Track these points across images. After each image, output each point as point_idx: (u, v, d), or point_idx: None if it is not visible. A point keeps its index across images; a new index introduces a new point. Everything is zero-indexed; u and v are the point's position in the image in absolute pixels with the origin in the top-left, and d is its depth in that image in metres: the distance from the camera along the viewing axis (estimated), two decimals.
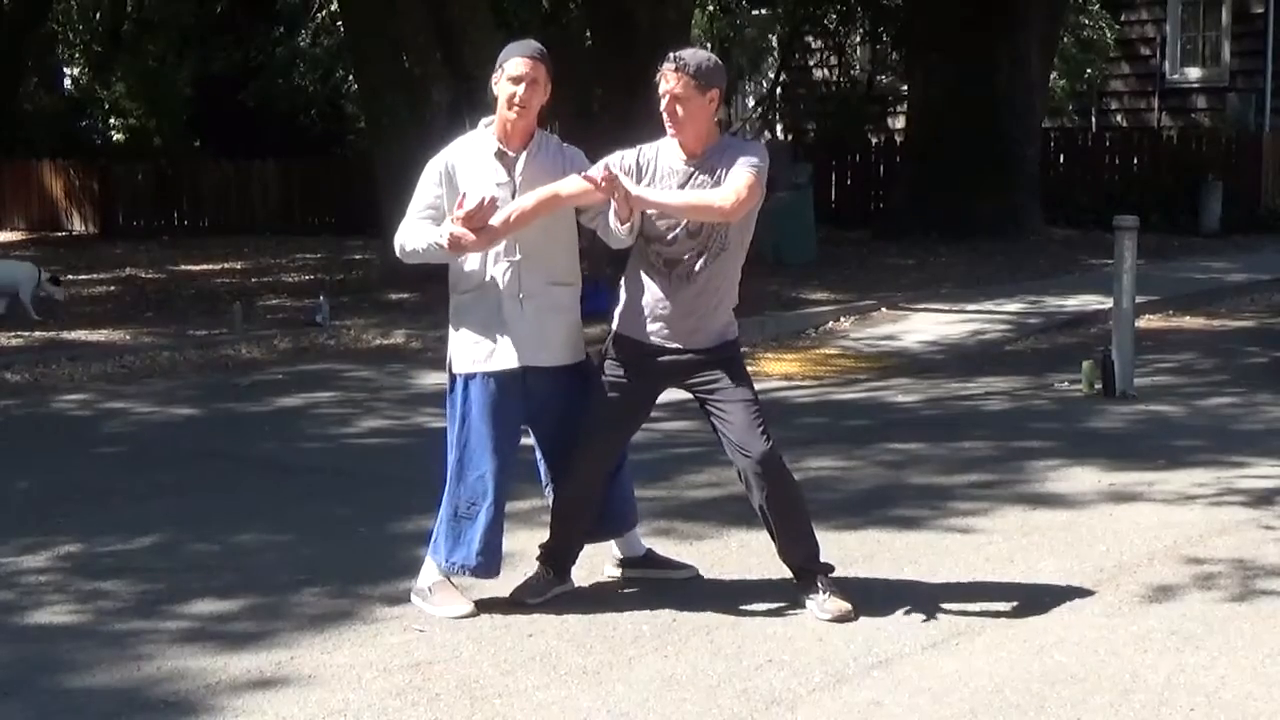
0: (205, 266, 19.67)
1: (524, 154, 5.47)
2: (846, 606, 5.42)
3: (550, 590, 5.69)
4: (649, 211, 5.36)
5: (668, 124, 5.38)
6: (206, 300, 15.82)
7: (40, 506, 7.36)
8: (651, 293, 5.46)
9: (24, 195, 27.52)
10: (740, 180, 5.29)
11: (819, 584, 5.50)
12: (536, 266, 5.46)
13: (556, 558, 5.73)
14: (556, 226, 5.50)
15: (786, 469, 5.53)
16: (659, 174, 5.42)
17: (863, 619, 5.39)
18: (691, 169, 5.39)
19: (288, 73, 28.10)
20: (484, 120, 5.58)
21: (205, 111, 28.04)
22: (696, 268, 5.41)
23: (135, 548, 6.54)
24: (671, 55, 5.36)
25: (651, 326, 5.47)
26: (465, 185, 5.40)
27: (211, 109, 27.76)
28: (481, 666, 4.99)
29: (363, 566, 6.14)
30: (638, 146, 5.51)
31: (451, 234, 5.32)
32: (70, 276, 18.99)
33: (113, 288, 17.72)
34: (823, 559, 5.59)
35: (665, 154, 5.44)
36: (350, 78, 24.87)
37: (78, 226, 26.63)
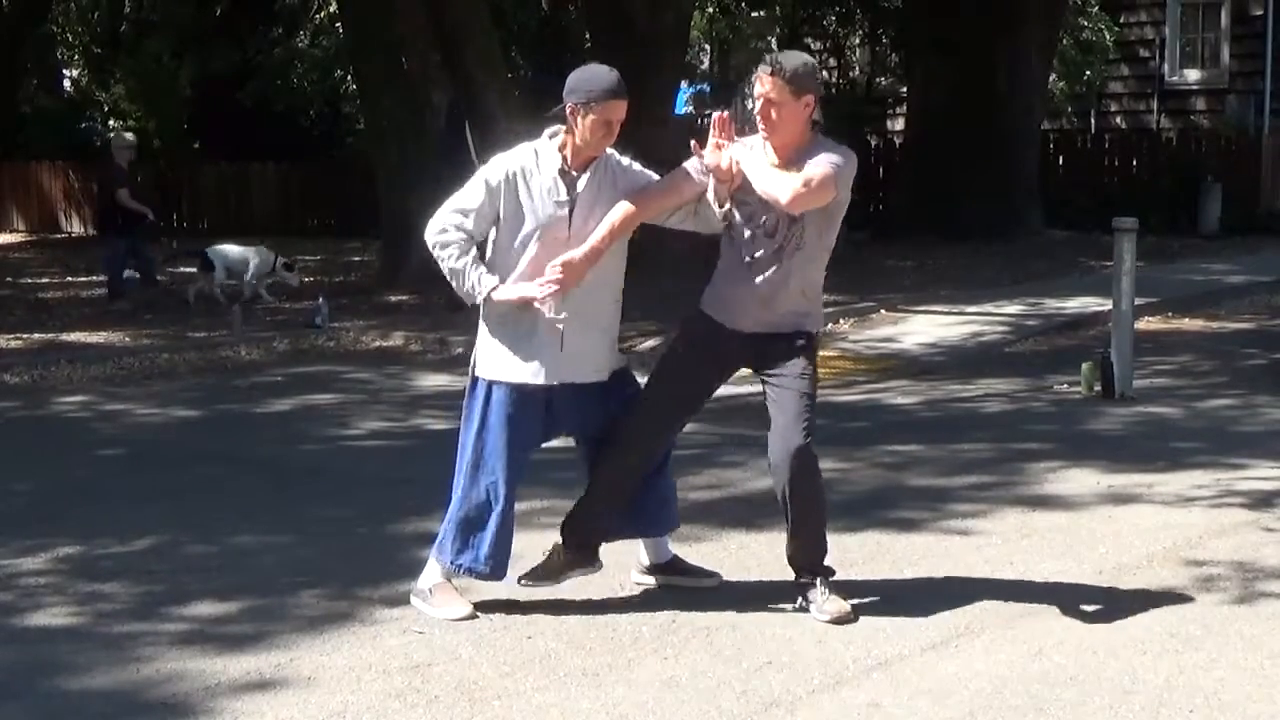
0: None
1: (586, 174, 5.43)
2: (846, 608, 5.42)
3: (566, 572, 5.67)
4: (732, 204, 5.42)
5: (761, 127, 5.42)
6: (205, 302, 15.81)
7: (39, 508, 7.36)
8: (732, 279, 5.51)
9: (23, 197, 27.55)
10: (812, 172, 5.29)
11: (819, 585, 5.50)
12: (581, 286, 5.41)
13: (580, 531, 5.66)
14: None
15: (818, 470, 5.51)
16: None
17: (862, 621, 5.39)
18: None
19: (286, 74, 28.11)
20: (549, 130, 5.47)
21: (204, 113, 28.07)
22: (773, 265, 5.44)
23: (134, 549, 6.54)
24: (768, 59, 5.41)
25: (729, 310, 5.53)
26: (524, 198, 5.36)
27: (210, 110, 27.79)
28: (481, 668, 4.99)
29: (362, 568, 6.14)
30: (743, 141, 5.51)
31: (524, 296, 5.31)
32: (69, 278, 19.04)
33: None
34: (827, 563, 5.58)
35: (759, 152, 5.46)
36: (349, 79, 24.88)
37: (77, 228, 26.66)
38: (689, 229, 5.64)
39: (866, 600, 5.59)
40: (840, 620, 5.36)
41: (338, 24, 24.57)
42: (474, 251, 5.46)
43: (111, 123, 31.04)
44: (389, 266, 16.83)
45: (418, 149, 16.52)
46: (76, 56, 32.97)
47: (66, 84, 34.36)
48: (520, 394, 5.42)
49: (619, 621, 5.42)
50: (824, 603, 5.43)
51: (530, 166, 5.42)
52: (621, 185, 5.48)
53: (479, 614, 5.47)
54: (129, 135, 16.74)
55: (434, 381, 11.14)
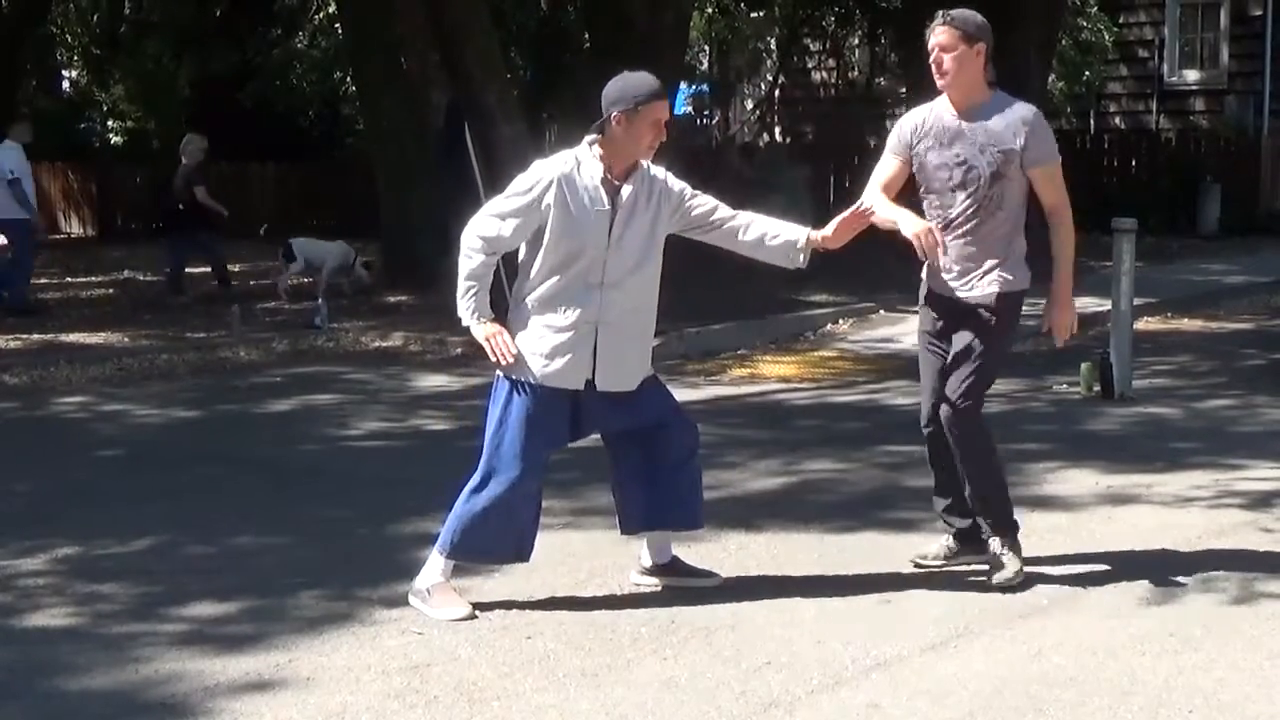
0: (204, 269, 19.63)
1: (628, 184, 5.45)
2: (1009, 574, 5.67)
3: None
4: (929, 164, 5.71)
5: (936, 77, 5.65)
6: (204, 303, 15.81)
7: (38, 509, 7.36)
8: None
9: None
10: (1052, 183, 5.72)
11: (994, 545, 5.77)
12: (620, 294, 5.44)
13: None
14: (648, 253, 5.49)
15: (976, 429, 5.78)
16: (932, 132, 5.72)
17: (860, 621, 5.40)
18: (959, 124, 5.67)
19: (286, 74, 28.11)
20: (589, 138, 5.47)
21: (204, 113, 28.03)
22: (969, 223, 5.66)
23: (133, 550, 6.54)
24: (941, 13, 5.67)
25: (938, 277, 5.76)
26: (568, 203, 5.35)
27: (210, 111, 27.74)
28: (480, 669, 4.99)
29: (361, 569, 6.14)
30: (914, 110, 5.84)
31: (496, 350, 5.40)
32: (68, 279, 19.04)
33: (111, 290, 17.73)
34: (1009, 520, 5.84)
35: (937, 112, 5.74)
36: (349, 79, 24.88)
37: (76, 229, 26.66)
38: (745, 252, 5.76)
39: (865, 601, 5.59)
40: (1004, 586, 5.66)
41: (337, 24, 24.58)
42: (490, 274, 5.46)
43: (110, 123, 31.07)
44: (388, 267, 16.83)
45: (417, 149, 16.52)
46: (76, 57, 32.95)
47: (66, 85, 34.35)
48: (547, 394, 5.43)
49: (618, 622, 5.41)
50: (996, 564, 5.77)
51: (572, 173, 5.42)
52: (662, 198, 5.50)
53: (478, 614, 5.48)
54: (200, 137, 17.00)
55: (433, 382, 11.14)
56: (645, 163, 5.50)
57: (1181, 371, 11.13)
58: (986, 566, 5.85)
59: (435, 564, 5.62)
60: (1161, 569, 5.97)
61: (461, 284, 5.46)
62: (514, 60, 25.12)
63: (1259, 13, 24.48)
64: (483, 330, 5.43)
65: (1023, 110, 5.68)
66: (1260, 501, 7.04)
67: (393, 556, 6.31)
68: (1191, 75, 25.94)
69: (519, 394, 5.45)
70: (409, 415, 9.90)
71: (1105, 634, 5.24)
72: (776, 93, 29.82)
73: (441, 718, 4.60)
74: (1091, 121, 26.58)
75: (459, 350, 12.23)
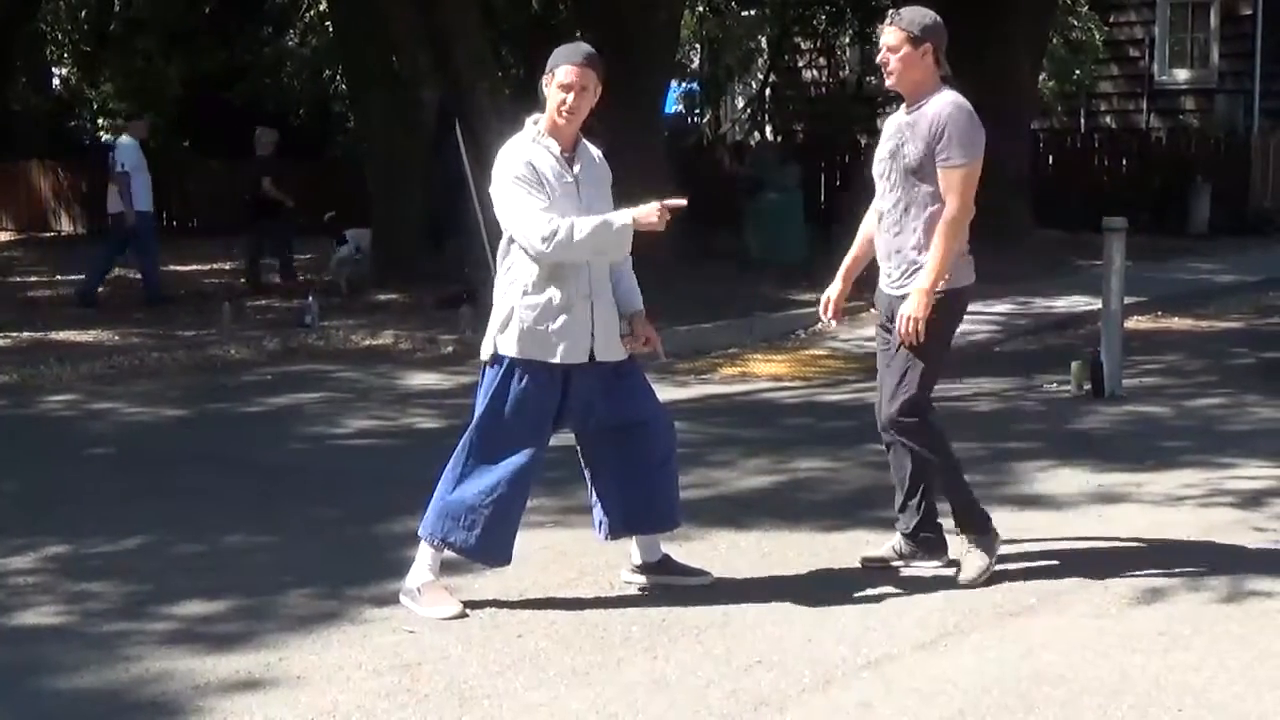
0: (194, 267, 19.65)
1: (576, 154, 5.55)
2: (971, 574, 5.72)
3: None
4: (874, 158, 5.84)
5: (885, 75, 5.72)
6: (195, 301, 15.79)
7: (27, 508, 7.34)
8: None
9: (12, 196, 27.49)
10: (949, 185, 5.68)
11: (958, 544, 5.83)
12: (600, 263, 5.52)
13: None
14: None
15: (919, 433, 5.73)
16: (889, 127, 5.81)
17: (851, 619, 5.40)
18: (903, 119, 5.75)
19: (276, 73, 28.05)
20: (532, 118, 5.58)
21: (194, 112, 28.01)
22: (897, 216, 5.78)
23: (122, 549, 6.53)
24: (891, 12, 5.73)
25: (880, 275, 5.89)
26: (544, 178, 5.42)
27: (200, 109, 27.73)
28: (470, 668, 4.98)
29: (351, 567, 6.13)
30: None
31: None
32: (59, 277, 19.00)
33: (101, 288, 17.67)
34: (972, 519, 5.86)
35: (897, 113, 5.82)
36: (339, 78, 24.85)
37: (66, 227, 26.61)
38: None
39: (854, 599, 5.59)
40: (971, 583, 5.70)
41: (327, 23, 24.55)
42: (571, 235, 5.37)
43: (100, 121, 31.02)
44: (379, 265, 16.83)
45: (408, 148, 16.51)
46: (65, 55, 32.89)
47: (55, 82, 34.29)
48: (544, 372, 5.44)
49: (609, 621, 5.41)
50: (962, 562, 5.81)
51: (532, 149, 5.49)
52: (602, 170, 5.65)
53: (469, 613, 5.47)
54: (270, 130, 17.42)
55: (423, 380, 11.13)
56: (584, 140, 5.59)
57: (1172, 370, 11.14)
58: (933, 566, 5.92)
59: (424, 558, 5.61)
60: (1152, 568, 5.98)
61: (595, 241, 5.34)
62: (505, 59, 25.10)
63: (1249, 12, 24.52)
64: (640, 212, 5.34)
65: (949, 107, 5.64)
66: (1250, 500, 7.05)
67: (383, 555, 6.31)
68: (1182, 74, 25.98)
69: (515, 378, 5.44)
70: (399, 413, 9.89)
71: (1095, 632, 5.24)
72: (767, 91, 29.81)
73: (432, 716, 4.60)
74: (1082, 120, 26.60)
75: (449, 348, 12.23)
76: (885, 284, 5.87)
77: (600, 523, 5.78)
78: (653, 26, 16.46)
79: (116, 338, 13.23)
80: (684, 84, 30.96)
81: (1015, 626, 5.33)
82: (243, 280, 17.05)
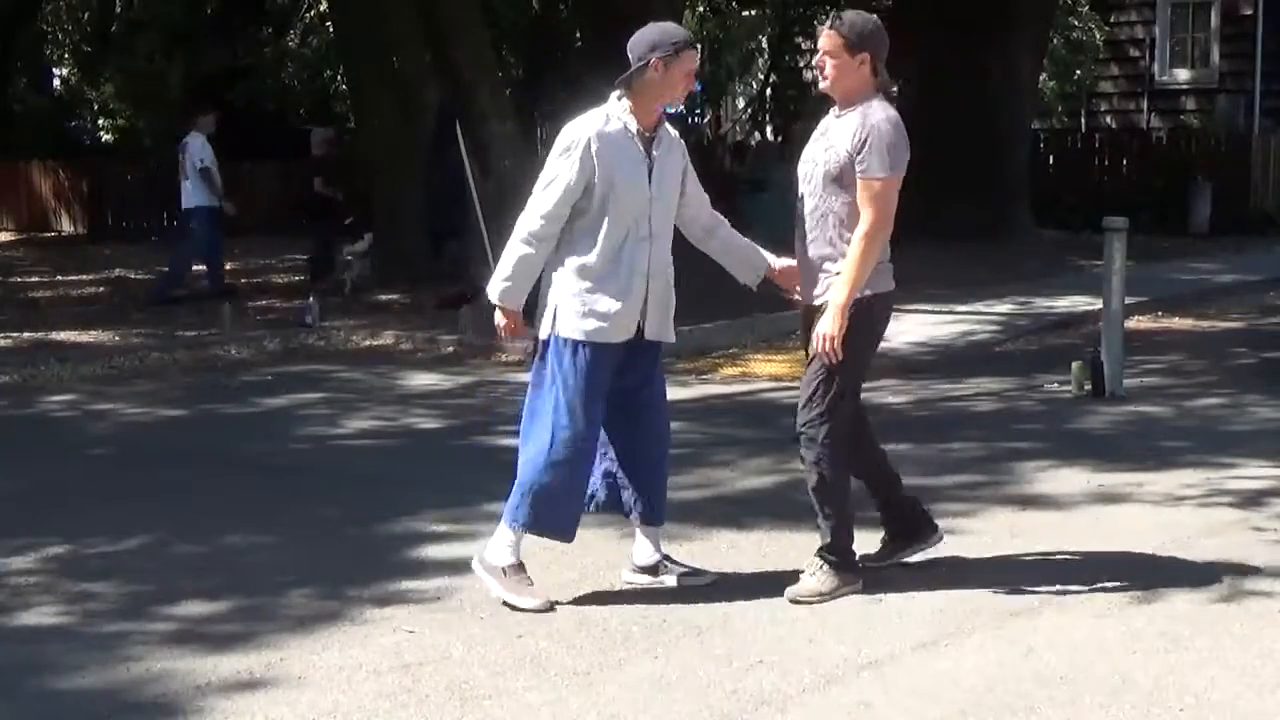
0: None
1: (658, 135, 5.57)
2: (801, 590, 5.60)
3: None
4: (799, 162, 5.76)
5: (820, 79, 5.67)
6: (196, 301, 15.78)
7: (28, 508, 7.34)
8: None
9: (13, 196, 27.47)
10: (867, 197, 5.54)
11: (813, 560, 5.74)
12: (663, 243, 5.57)
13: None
14: (676, 203, 5.66)
15: (823, 447, 5.67)
16: (820, 131, 5.74)
17: (852, 619, 5.39)
18: (829, 122, 5.70)
19: (277, 73, 28.04)
20: (615, 94, 5.55)
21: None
22: (813, 223, 5.69)
23: (123, 549, 6.53)
24: (831, 16, 5.70)
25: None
26: (608, 160, 5.41)
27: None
28: (471, 668, 4.98)
29: (352, 567, 6.13)
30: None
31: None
32: (59, 277, 19.00)
33: (102, 289, 17.69)
34: (840, 547, 5.75)
35: (832, 112, 5.75)
36: (340, 78, 24.83)
37: (67, 227, 26.60)
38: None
39: (857, 599, 5.59)
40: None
41: (328, 23, 24.54)
42: (539, 269, 5.53)
43: (101, 121, 31.02)
44: (379, 265, 16.81)
45: (409, 148, 16.50)
46: (66, 55, 32.90)
47: (56, 83, 34.30)
48: (602, 351, 5.46)
49: (609, 621, 5.41)
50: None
51: (605, 129, 5.47)
52: (680, 152, 5.67)
53: (555, 607, 5.49)
54: (325, 129, 17.67)
55: (424, 380, 11.12)
56: (665, 123, 5.62)
57: (1172, 370, 11.14)
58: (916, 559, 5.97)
59: (504, 539, 5.59)
60: (1152, 568, 5.98)
61: (508, 261, 5.50)
62: (506, 58, 25.11)
63: (1249, 12, 24.53)
64: (500, 317, 5.52)
65: (873, 118, 5.53)
66: (1251, 500, 7.04)
67: (383, 555, 6.31)
68: (1182, 74, 25.98)
69: (580, 353, 5.43)
70: (400, 414, 9.89)
71: (1096, 632, 5.24)
72: (768, 92, 29.81)
73: (433, 717, 4.60)
74: (1083, 120, 26.61)
75: (450, 349, 12.23)
76: (805, 291, 5.79)
77: (633, 504, 5.76)
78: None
79: (117, 338, 13.23)
80: None
81: (1016, 626, 5.33)
82: (307, 278, 16.92)
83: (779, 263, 5.87)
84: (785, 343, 12.66)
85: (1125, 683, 4.77)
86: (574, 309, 5.46)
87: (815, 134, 5.78)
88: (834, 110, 5.72)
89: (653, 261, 5.52)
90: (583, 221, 5.48)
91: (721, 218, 5.90)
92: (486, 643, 5.21)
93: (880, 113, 5.56)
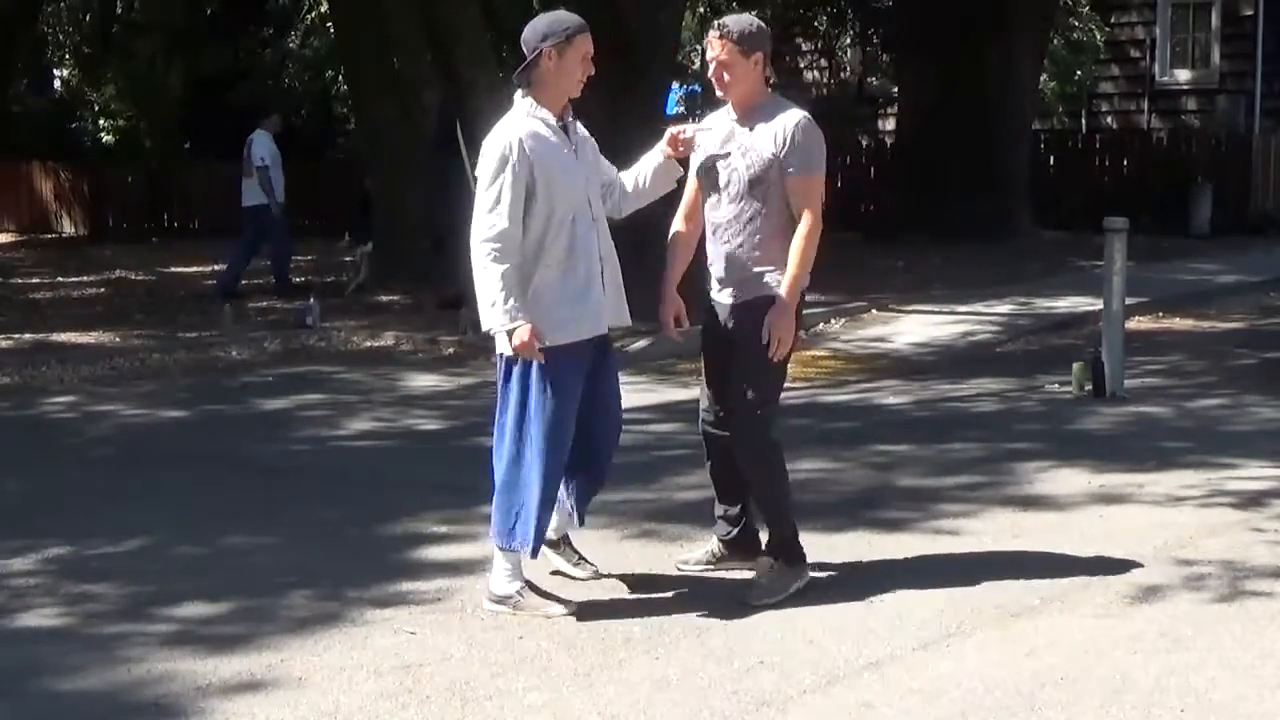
0: (196, 269, 19.63)
1: (568, 121, 5.54)
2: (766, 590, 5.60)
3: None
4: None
5: (717, 88, 5.65)
6: (196, 302, 15.79)
7: (28, 509, 7.34)
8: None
9: (13, 197, 27.46)
10: (803, 197, 5.54)
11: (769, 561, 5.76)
12: (605, 229, 5.55)
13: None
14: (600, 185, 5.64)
15: (748, 435, 5.66)
16: (715, 134, 5.69)
17: (853, 620, 5.39)
18: (733, 127, 5.66)
19: (278, 74, 28.04)
20: (519, 93, 5.52)
21: (195, 113, 28.02)
22: (730, 227, 5.65)
23: (123, 550, 6.53)
24: (716, 24, 5.67)
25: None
26: (540, 158, 5.34)
27: (202, 111, 27.74)
28: (472, 668, 4.98)
29: (352, 569, 6.12)
30: (709, 116, 5.85)
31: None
32: (60, 278, 19.01)
33: (102, 290, 17.70)
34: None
35: (721, 114, 5.74)
36: (340, 79, 24.84)
37: (67, 228, 26.59)
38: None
39: (856, 600, 5.59)
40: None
41: (329, 24, 24.54)
42: (518, 274, 5.35)
43: (102, 122, 31.01)
44: (380, 266, 16.82)
45: (409, 150, 16.50)
46: (67, 56, 32.91)
47: (57, 84, 34.31)
48: (579, 351, 5.42)
49: (610, 622, 5.41)
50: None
51: (527, 128, 5.42)
52: (585, 133, 5.63)
53: (576, 605, 5.49)
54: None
55: (425, 382, 11.13)
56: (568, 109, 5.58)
57: (1173, 371, 11.14)
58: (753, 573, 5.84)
59: (503, 567, 5.53)
60: (1153, 568, 5.98)
61: (490, 289, 5.30)
62: (506, 60, 25.09)
63: (1250, 13, 24.52)
64: (519, 337, 5.28)
65: (790, 118, 5.56)
66: (1251, 501, 7.04)
67: (384, 556, 6.31)
68: (1183, 75, 25.97)
69: (550, 363, 5.34)
70: (400, 415, 9.89)
71: (1097, 633, 5.24)
72: None
73: (434, 717, 4.60)
74: (1083, 121, 26.60)
75: (450, 350, 12.23)
76: (719, 293, 5.72)
77: (571, 511, 5.75)
78: (653, 27, 16.42)
79: (118, 339, 13.23)
80: (685, 86, 30.96)
81: (1017, 627, 5.33)
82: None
83: (665, 140, 5.69)
84: None
85: (1125, 683, 4.77)
86: (543, 314, 5.34)
87: (713, 137, 5.68)
88: (726, 112, 5.70)
89: (601, 246, 5.48)
90: (534, 224, 5.35)
91: (614, 170, 5.77)
92: (487, 643, 5.21)
93: (798, 114, 5.61)
